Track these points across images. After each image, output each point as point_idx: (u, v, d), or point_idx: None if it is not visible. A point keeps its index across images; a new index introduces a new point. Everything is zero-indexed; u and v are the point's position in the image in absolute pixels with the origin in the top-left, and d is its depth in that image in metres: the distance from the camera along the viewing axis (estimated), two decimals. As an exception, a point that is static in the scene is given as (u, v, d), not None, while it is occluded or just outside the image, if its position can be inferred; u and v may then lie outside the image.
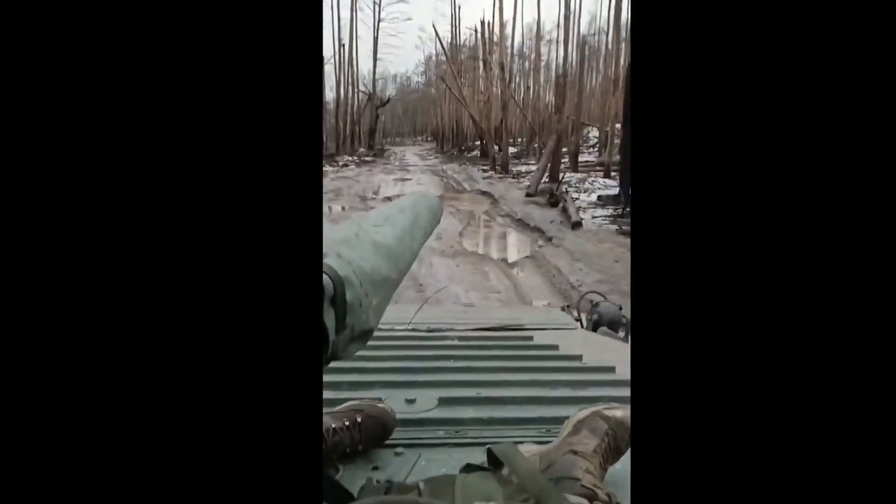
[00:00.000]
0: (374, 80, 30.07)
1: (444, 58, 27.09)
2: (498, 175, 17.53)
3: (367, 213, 0.69)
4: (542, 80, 29.26)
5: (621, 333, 2.07)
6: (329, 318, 0.42)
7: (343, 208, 11.34)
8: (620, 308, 2.23)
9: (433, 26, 21.62)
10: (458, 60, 26.08)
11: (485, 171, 19.23)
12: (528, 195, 12.68)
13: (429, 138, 46.92)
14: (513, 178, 16.96)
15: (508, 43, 18.67)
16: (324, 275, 0.41)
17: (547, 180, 13.32)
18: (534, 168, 19.03)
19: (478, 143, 31.81)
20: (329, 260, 0.44)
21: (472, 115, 23.77)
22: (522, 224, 9.94)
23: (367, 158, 25.55)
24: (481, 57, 20.28)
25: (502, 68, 17.72)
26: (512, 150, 21.42)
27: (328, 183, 14.75)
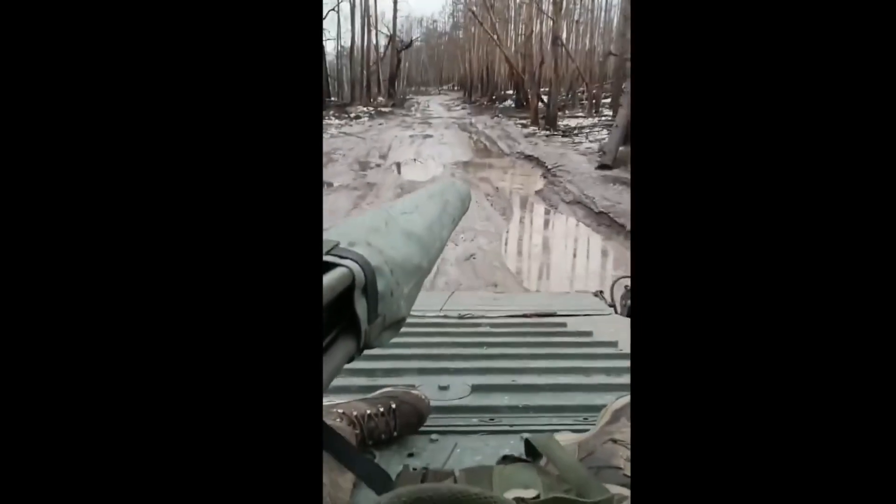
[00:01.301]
0: (396, 15, 25.19)
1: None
2: (543, 131, 13.06)
3: (395, 202, 0.65)
4: (576, 17, 24.19)
5: None
6: (361, 307, 0.41)
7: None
8: None
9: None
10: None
11: (524, 125, 14.75)
12: (602, 166, 8.26)
13: (455, 87, 41.91)
14: (563, 135, 12.49)
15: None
16: (355, 263, 0.40)
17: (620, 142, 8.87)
18: (585, 122, 14.62)
19: (510, 91, 27.15)
20: (359, 249, 0.42)
21: (508, 58, 19.05)
22: (614, 225, 5.60)
23: (385, 109, 21.12)
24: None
25: (554, -11, 12.93)
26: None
27: (325, 142, 10.44)
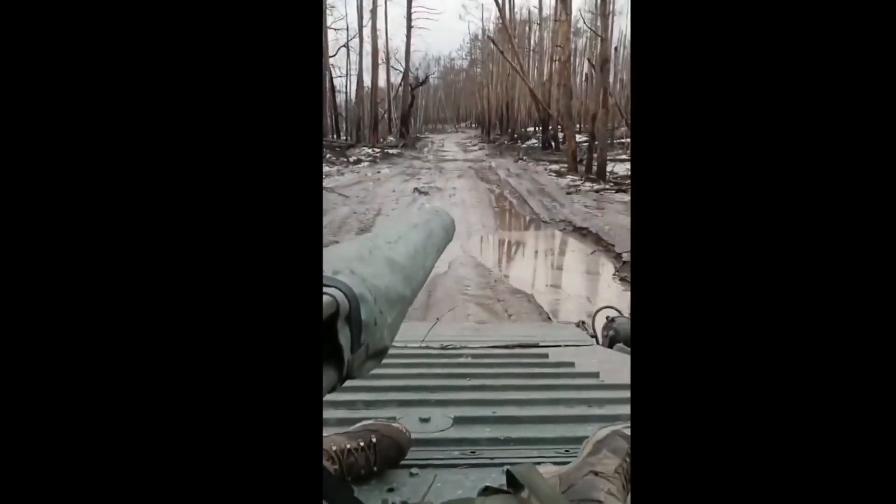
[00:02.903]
0: (409, 49, 21.95)
1: (490, 32, 18.92)
2: (588, 183, 9.34)
3: (379, 231, 0.63)
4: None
5: None
6: (344, 336, 0.38)
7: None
8: None
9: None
10: (511, 19, 17.66)
11: (558, 173, 11.10)
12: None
13: (473, 124, 38.73)
14: (616, 188, 8.77)
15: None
16: (339, 291, 0.38)
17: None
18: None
19: (531, 129, 23.74)
20: (343, 277, 0.40)
21: (532, 91, 15.55)
22: None
23: (392, 150, 17.64)
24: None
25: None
26: (579, 137, 13.14)
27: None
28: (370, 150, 17.38)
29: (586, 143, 11.21)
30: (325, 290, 0.36)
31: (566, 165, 11.30)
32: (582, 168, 10.64)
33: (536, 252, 5.91)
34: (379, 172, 12.12)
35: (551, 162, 13.23)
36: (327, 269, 0.39)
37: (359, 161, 14.83)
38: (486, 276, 4.65)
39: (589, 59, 14.23)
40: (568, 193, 8.71)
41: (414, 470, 0.84)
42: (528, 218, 7.33)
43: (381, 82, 23.48)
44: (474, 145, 23.33)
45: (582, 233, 6.20)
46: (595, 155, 9.94)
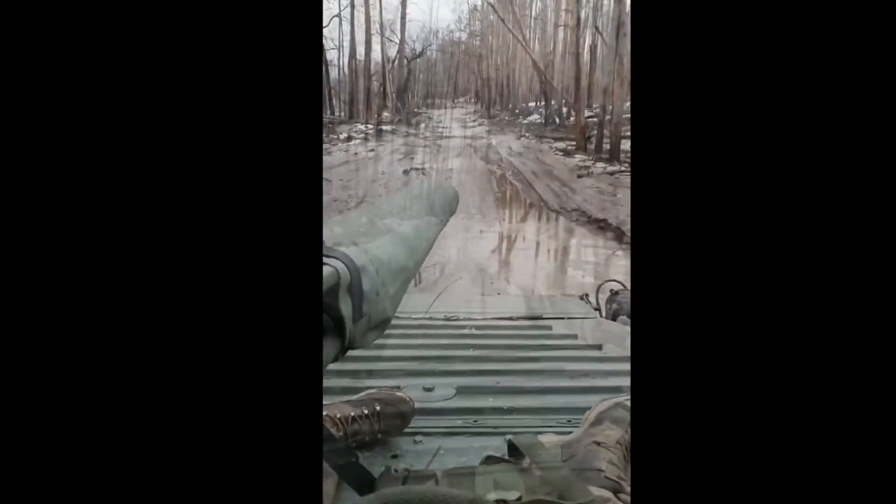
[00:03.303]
0: (404, 19, 20.58)
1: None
2: (600, 163, 8.31)
3: (381, 203, 0.63)
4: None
5: None
6: (346, 306, 0.39)
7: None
8: None
9: None
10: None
11: (565, 151, 10.07)
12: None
13: (472, 99, 37.34)
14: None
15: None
16: (340, 263, 0.38)
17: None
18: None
19: (533, 104, 22.56)
20: (345, 248, 0.40)
21: (535, 62, 14.39)
22: None
23: (386, 127, 16.51)
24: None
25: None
26: (585, 112, 12.04)
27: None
28: (363, 127, 16.29)
29: (592, 119, 10.16)
30: (326, 261, 0.36)
31: (573, 143, 10.29)
32: (591, 147, 9.62)
33: (545, 250, 4.96)
34: (372, 151, 11.08)
35: (556, 139, 12.17)
36: (329, 241, 0.39)
37: (350, 138, 13.78)
38: (489, 290, 3.71)
39: (597, 28, 13.06)
40: (579, 176, 7.71)
41: (418, 438, 0.85)
42: (529, 203, 6.36)
43: (377, 56, 22.19)
44: (473, 121, 22.14)
45: (599, 225, 5.24)
46: (607, 132, 8.89)
